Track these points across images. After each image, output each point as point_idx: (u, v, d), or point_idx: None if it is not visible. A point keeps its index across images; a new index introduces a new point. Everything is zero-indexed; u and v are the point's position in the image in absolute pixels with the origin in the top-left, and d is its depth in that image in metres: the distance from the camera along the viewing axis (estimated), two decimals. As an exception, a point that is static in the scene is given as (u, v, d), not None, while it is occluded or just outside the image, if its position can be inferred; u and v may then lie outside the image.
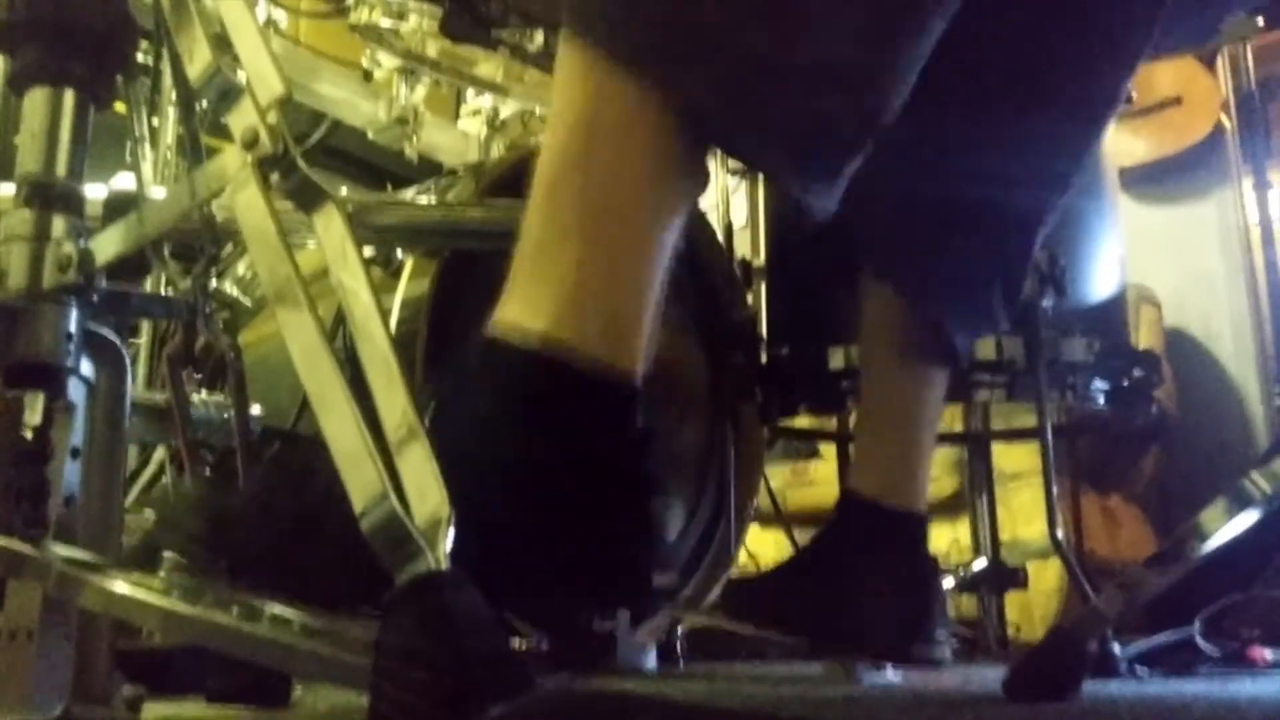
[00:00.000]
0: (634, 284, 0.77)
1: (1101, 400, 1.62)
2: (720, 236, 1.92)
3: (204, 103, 0.78)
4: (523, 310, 0.76)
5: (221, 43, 0.76)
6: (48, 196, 0.84)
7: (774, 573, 1.36)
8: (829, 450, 2.46)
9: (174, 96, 1.64)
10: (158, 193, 1.54)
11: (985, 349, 1.54)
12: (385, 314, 0.68)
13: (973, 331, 1.23)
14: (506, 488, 0.73)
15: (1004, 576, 1.83)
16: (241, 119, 0.71)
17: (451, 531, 0.60)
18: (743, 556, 1.94)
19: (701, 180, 0.81)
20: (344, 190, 2.06)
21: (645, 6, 0.76)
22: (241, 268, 1.77)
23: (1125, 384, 1.63)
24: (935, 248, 1.16)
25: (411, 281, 1.53)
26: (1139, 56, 1.11)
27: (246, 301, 1.73)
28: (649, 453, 0.78)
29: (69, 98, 0.86)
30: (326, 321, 0.68)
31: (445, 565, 0.59)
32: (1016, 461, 2.40)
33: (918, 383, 1.21)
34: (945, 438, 1.88)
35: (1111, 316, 1.71)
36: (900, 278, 1.18)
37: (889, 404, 1.22)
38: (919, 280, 1.17)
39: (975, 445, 1.96)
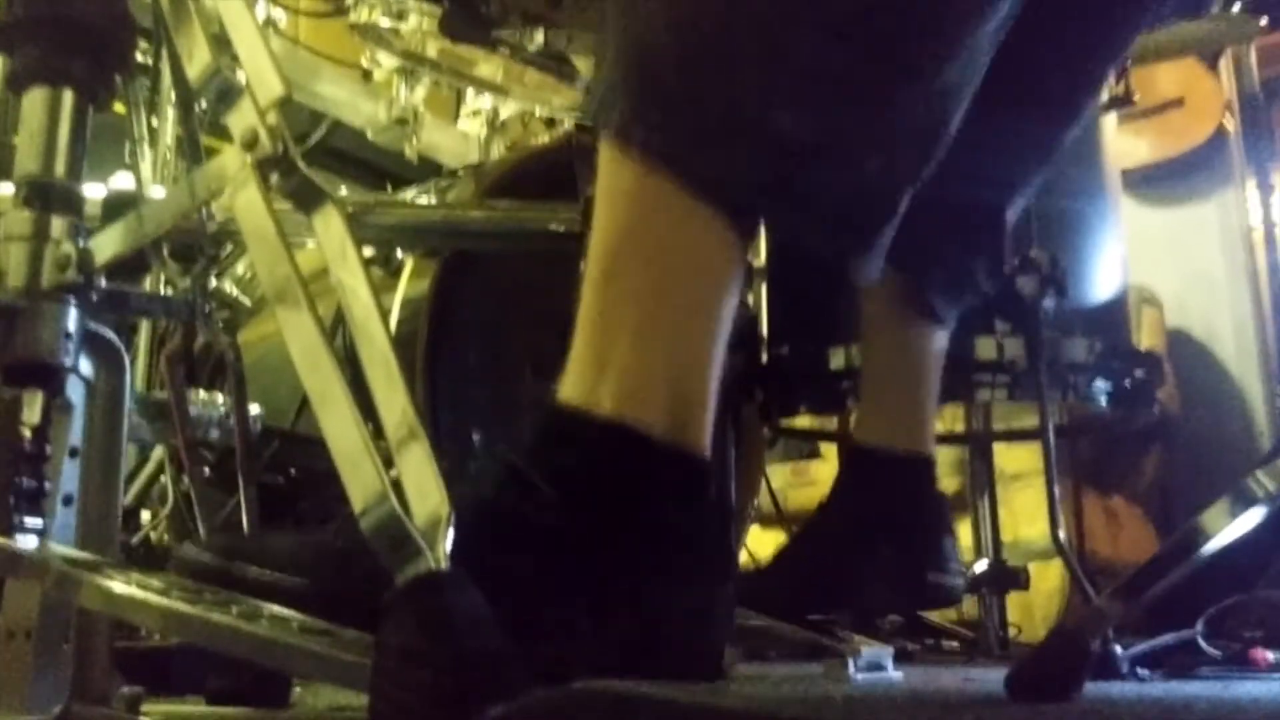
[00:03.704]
0: (696, 366, 0.77)
1: (1103, 401, 1.62)
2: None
3: (203, 103, 0.78)
4: (587, 395, 0.75)
5: (221, 43, 0.76)
6: (47, 196, 0.84)
7: (782, 554, 1.35)
8: (829, 450, 2.45)
9: (173, 96, 1.64)
10: (157, 193, 1.54)
11: (986, 349, 1.53)
12: (385, 314, 0.68)
13: (954, 296, 1.23)
14: (586, 561, 0.72)
15: (1005, 577, 1.82)
16: (241, 119, 0.71)
17: (451, 532, 0.60)
18: (743, 557, 1.94)
19: (751, 242, 0.81)
20: (344, 191, 2.05)
21: (685, 107, 0.75)
22: (241, 267, 1.77)
23: (1127, 385, 1.62)
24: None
25: (411, 281, 1.53)
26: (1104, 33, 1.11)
27: (246, 301, 1.73)
28: (729, 526, 0.78)
29: (68, 97, 0.86)
30: (326, 321, 0.68)
31: (445, 565, 0.59)
32: (1018, 462, 2.39)
33: (913, 335, 1.22)
34: (946, 438, 1.87)
35: (1113, 317, 1.70)
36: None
37: (888, 356, 1.24)
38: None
39: (977, 446, 1.95)
